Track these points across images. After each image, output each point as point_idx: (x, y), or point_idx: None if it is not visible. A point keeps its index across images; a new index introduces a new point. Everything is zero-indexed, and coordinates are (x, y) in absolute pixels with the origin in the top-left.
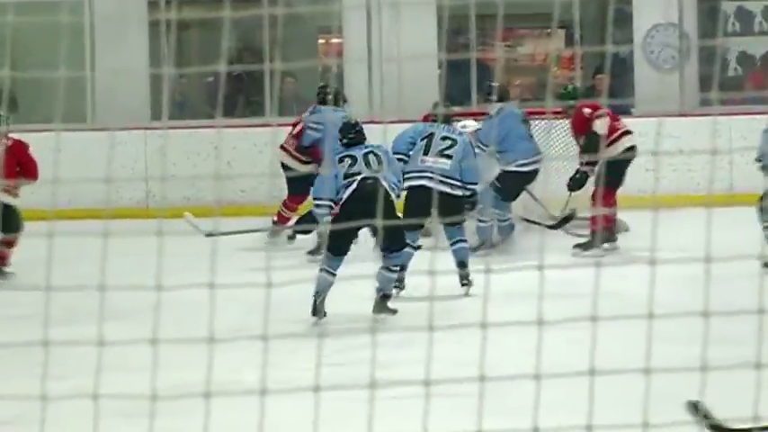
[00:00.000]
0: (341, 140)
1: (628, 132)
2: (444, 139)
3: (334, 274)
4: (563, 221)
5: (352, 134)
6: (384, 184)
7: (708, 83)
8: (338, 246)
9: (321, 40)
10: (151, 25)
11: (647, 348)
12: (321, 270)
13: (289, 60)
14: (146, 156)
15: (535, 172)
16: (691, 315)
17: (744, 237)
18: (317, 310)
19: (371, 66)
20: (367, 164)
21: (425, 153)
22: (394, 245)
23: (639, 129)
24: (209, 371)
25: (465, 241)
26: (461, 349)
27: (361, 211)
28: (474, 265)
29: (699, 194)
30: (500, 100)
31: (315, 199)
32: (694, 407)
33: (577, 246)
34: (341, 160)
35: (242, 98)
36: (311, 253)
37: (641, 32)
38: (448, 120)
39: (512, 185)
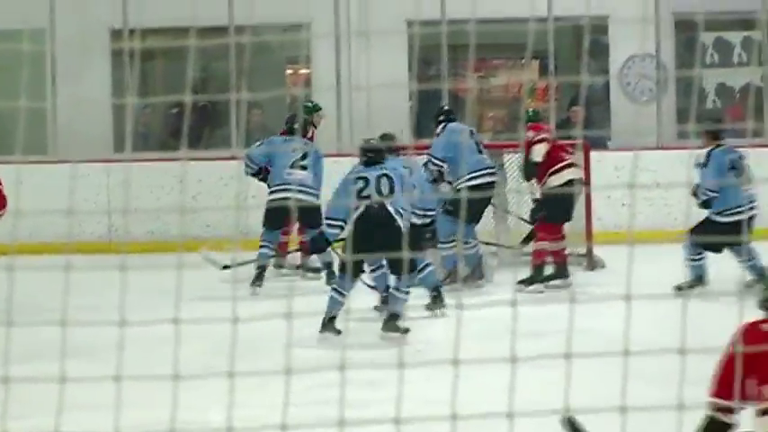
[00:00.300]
0: (360, 160)
1: (572, 165)
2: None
3: (344, 295)
4: (526, 240)
5: (370, 154)
6: (390, 209)
7: (685, 115)
8: (350, 268)
9: (289, 71)
10: (114, 54)
11: (622, 386)
12: (332, 290)
13: (255, 91)
14: (108, 189)
15: (489, 185)
16: (667, 352)
17: (722, 272)
18: (327, 328)
19: (340, 96)
20: (378, 187)
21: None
22: (400, 269)
23: (616, 162)
24: (174, 409)
25: (429, 264)
26: (433, 387)
27: (367, 235)
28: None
29: (676, 229)
30: (447, 120)
31: (326, 219)
32: (569, 423)
33: (520, 281)
34: (355, 181)
35: (207, 130)
36: (252, 284)
37: (617, 63)
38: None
39: (468, 203)
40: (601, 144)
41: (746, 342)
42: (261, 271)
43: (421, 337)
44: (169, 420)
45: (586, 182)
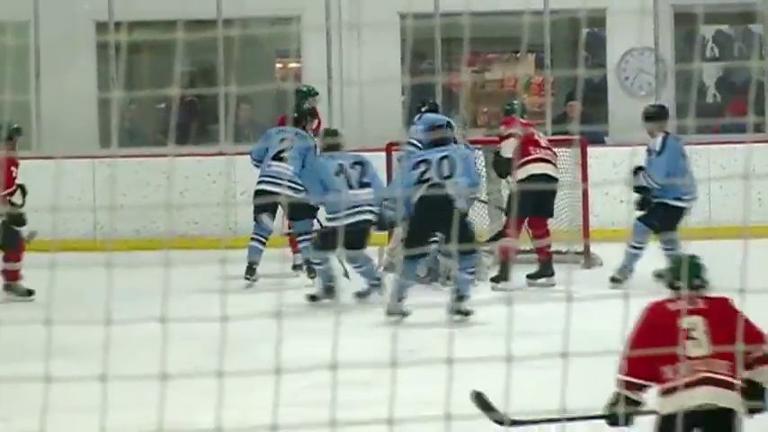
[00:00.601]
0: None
1: (540, 160)
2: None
3: (410, 279)
4: (493, 238)
5: (437, 135)
6: (450, 191)
7: (685, 110)
8: (414, 250)
9: (278, 64)
10: (99, 47)
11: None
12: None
13: (244, 85)
14: (94, 185)
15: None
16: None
17: (722, 271)
18: (393, 312)
19: (331, 90)
20: (439, 169)
21: (350, 187)
22: (463, 252)
23: (613, 158)
24: (161, 411)
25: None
26: (427, 388)
27: (428, 217)
28: (435, 297)
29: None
30: (429, 111)
31: (385, 201)
32: (478, 397)
33: (493, 278)
34: (416, 165)
35: (195, 125)
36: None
37: (615, 57)
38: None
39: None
40: (598, 140)
41: (651, 321)
42: (250, 264)
43: (414, 336)
44: (156, 422)
45: (583, 178)
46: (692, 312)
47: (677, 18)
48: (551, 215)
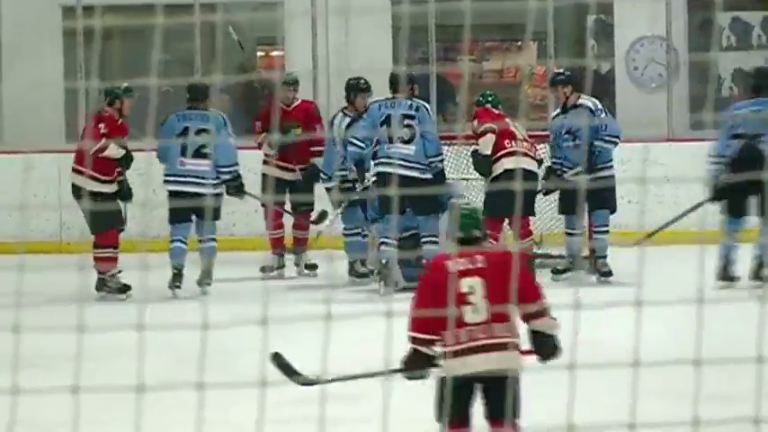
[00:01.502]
0: None
1: (514, 153)
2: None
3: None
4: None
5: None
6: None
7: (699, 103)
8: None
9: (260, 53)
10: (66, 34)
11: (631, 400)
12: None
13: (224, 74)
14: (60, 183)
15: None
16: (680, 364)
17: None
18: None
19: (317, 81)
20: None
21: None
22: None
23: (622, 155)
24: (137, 428)
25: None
26: (419, 403)
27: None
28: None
29: (689, 230)
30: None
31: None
32: (277, 358)
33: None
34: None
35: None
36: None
37: (624, 46)
38: None
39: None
40: None
41: (431, 282)
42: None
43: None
44: None
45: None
46: (471, 273)
47: (691, 4)
48: (532, 214)
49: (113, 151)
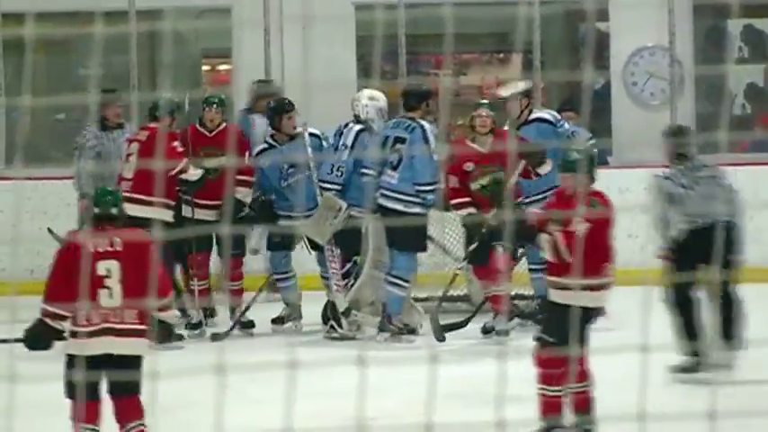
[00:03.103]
0: None
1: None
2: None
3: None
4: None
5: None
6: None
7: (707, 123)
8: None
9: (206, 66)
10: None
11: None
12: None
13: (165, 90)
14: None
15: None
16: (691, 418)
17: (759, 319)
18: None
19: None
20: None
21: None
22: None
23: (619, 182)
24: None
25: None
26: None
27: None
28: (400, 350)
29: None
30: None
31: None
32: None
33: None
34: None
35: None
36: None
37: (621, 58)
38: None
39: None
40: (600, 160)
41: (66, 260)
42: None
43: (378, 401)
44: None
45: None
46: (108, 255)
47: (697, 10)
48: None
49: (192, 172)
